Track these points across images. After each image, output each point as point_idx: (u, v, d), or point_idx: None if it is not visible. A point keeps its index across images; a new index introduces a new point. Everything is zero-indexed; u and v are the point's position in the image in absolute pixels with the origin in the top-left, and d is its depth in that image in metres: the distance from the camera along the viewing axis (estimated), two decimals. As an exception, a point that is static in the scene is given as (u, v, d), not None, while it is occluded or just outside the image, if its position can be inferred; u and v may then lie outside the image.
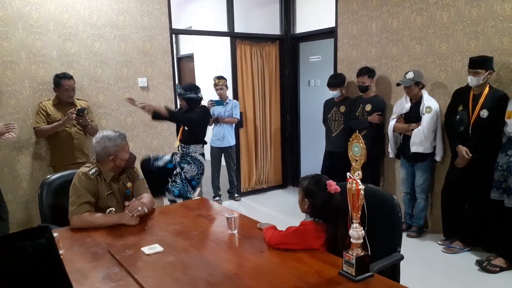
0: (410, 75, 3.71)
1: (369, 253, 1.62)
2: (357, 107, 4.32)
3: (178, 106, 4.13)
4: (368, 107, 4.21)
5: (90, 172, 2.35)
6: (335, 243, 1.86)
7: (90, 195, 2.31)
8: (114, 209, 2.40)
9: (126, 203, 2.36)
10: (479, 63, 3.26)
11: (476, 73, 3.26)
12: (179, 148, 3.68)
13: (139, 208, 2.31)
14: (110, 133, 2.41)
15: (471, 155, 3.36)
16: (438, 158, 3.78)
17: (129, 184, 2.51)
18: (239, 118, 4.96)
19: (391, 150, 4.10)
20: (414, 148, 3.76)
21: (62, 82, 3.61)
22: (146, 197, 2.50)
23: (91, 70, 4.10)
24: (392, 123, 3.97)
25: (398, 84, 3.85)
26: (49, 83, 3.71)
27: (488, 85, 3.31)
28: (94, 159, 2.45)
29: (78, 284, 1.62)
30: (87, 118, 3.72)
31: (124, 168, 2.48)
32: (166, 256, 1.87)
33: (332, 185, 1.86)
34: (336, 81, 4.46)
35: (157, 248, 1.94)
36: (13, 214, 3.70)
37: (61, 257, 1.84)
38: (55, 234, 1.86)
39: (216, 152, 5.09)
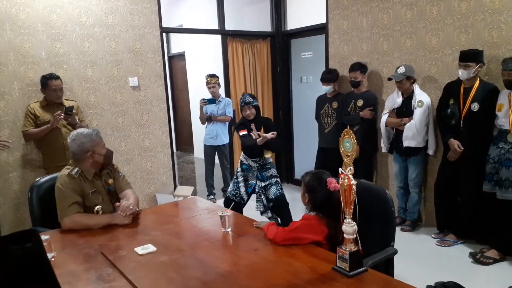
0: (402, 69, 3.72)
1: (360, 248, 1.62)
2: (349, 102, 4.32)
3: (233, 116, 4.50)
4: (360, 103, 4.22)
5: (73, 172, 2.33)
6: (335, 239, 1.87)
7: (77, 195, 2.29)
8: (101, 206, 2.37)
9: (117, 204, 2.35)
10: (470, 56, 3.27)
11: (466, 66, 3.27)
12: (255, 164, 3.65)
13: (131, 207, 2.31)
14: (84, 130, 2.44)
15: (463, 148, 3.37)
16: (430, 152, 3.80)
17: (110, 181, 2.50)
18: (232, 116, 4.95)
19: (383, 145, 4.11)
20: (406, 143, 3.77)
21: (49, 82, 3.56)
22: (130, 193, 2.49)
23: (81, 70, 4.06)
24: (384, 118, 3.98)
25: (389, 79, 3.85)
26: (39, 84, 3.66)
27: (478, 78, 3.33)
28: (72, 161, 2.43)
29: (71, 286, 1.61)
30: (75, 116, 3.67)
31: (103, 164, 2.47)
32: (159, 256, 1.86)
33: (332, 183, 1.88)
34: (329, 76, 4.46)
35: (150, 248, 1.93)
36: (5, 217, 3.67)
37: (53, 259, 1.84)
38: (46, 237, 1.85)
39: (210, 150, 5.07)
